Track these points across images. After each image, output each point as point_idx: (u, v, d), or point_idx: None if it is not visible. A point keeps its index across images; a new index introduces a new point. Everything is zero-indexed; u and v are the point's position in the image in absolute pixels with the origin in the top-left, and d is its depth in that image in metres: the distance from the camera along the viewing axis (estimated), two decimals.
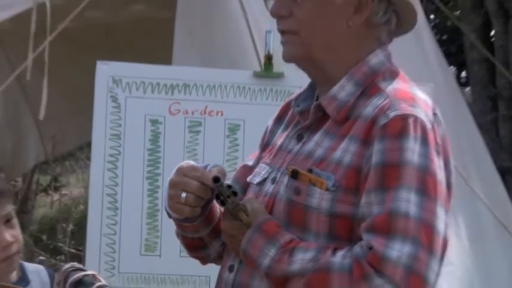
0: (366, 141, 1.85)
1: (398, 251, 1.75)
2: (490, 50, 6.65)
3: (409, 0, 1.97)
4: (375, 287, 1.75)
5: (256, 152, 2.13)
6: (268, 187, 1.97)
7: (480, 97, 6.95)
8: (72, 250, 9.74)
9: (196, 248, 2.12)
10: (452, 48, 8.21)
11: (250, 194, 2.02)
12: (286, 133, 2.04)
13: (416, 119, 1.83)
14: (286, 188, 1.91)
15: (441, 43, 7.39)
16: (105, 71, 3.42)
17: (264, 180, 2.00)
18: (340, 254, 1.80)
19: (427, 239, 1.78)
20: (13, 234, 2.18)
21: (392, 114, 1.83)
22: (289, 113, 2.08)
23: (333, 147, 1.88)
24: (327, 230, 1.86)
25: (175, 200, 1.95)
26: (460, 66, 8.34)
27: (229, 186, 1.90)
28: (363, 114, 1.88)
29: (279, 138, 2.05)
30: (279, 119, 2.12)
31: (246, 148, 3.35)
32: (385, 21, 1.97)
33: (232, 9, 3.74)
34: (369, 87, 1.93)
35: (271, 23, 2.13)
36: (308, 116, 1.97)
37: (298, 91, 2.08)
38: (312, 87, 2.04)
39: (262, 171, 2.02)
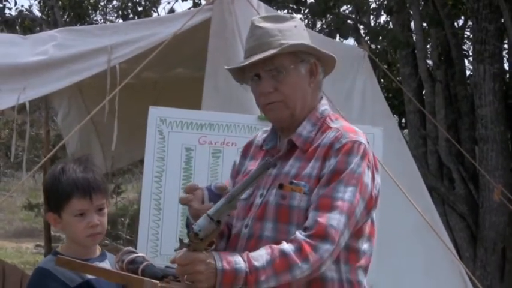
0: (325, 158, 1.90)
1: (337, 220, 1.79)
2: (421, 104, 6.65)
3: (334, 57, 2.02)
4: (324, 252, 1.77)
5: (228, 179, 2.12)
6: (258, 200, 1.96)
7: (414, 137, 6.94)
8: (128, 237, 9.71)
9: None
10: (396, 102, 8.21)
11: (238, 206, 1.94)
12: (256, 163, 2.02)
13: (360, 143, 1.90)
14: (275, 196, 1.91)
15: (388, 99, 7.39)
16: (155, 113, 3.40)
17: (249, 196, 1.97)
18: (284, 243, 1.79)
19: (348, 217, 1.83)
20: (100, 220, 2.09)
21: (344, 140, 1.90)
22: (251, 150, 2.09)
23: (303, 166, 1.91)
24: (305, 221, 1.86)
25: None
26: (401, 115, 8.33)
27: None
28: (322, 143, 1.92)
29: (251, 167, 2.03)
30: (243, 156, 2.12)
31: None
32: (323, 76, 2.04)
33: None
34: (321, 126, 1.97)
35: None
36: (275, 151, 2.00)
37: (260, 136, 2.10)
38: (273, 133, 2.05)
39: None
